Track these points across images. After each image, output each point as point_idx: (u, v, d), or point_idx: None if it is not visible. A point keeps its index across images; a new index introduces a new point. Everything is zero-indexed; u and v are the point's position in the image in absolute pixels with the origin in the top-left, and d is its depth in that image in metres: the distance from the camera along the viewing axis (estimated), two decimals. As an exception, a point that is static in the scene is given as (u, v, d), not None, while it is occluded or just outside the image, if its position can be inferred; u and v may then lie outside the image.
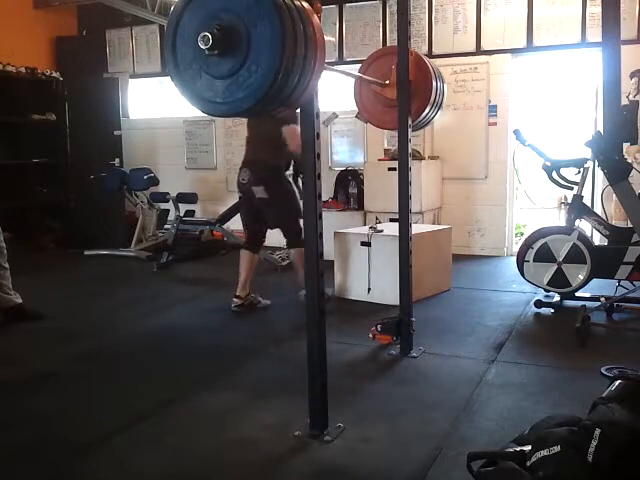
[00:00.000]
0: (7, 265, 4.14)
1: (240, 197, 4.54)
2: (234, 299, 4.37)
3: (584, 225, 4.41)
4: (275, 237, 4.68)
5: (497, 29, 6.24)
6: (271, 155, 4.21)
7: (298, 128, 3.57)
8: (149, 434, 2.58)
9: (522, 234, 6.85)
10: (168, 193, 6.48)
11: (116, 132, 7.40)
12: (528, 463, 1.86)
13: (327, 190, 6.52)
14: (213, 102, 2.06)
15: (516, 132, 4.51)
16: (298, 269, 4.24)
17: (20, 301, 4.16)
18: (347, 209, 6.50)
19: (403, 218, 3.36)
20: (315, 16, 2.07)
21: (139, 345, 3.74)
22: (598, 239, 4.88)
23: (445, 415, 2.66)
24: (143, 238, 6.83)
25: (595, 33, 5.69)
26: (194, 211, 6.79)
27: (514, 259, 4.66)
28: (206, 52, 1.96)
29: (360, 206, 6.43)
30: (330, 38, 6.68)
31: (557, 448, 1.80)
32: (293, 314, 4.09)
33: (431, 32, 6.50)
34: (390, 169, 5.41)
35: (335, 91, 6.64)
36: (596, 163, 3.93)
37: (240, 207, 4.76)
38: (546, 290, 4.41)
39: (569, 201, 4.45)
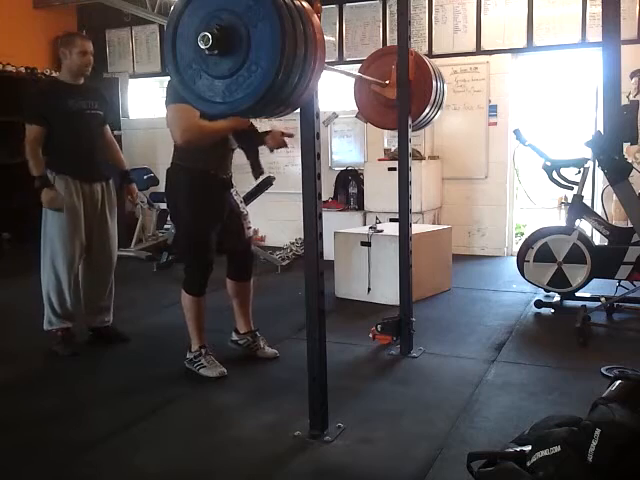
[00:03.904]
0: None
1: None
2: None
3: (584, 225, 4.41)
4: (275, 237, 4.66)
5: (497, 29, 6.24)
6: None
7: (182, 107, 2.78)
8: (149, 433, 2.58)
9: (522, 234, 6.85)
10: (168, 193, 6.46)
11: (116, 132, 7.36)
12: (528, 463, 1.86)
13: (327, 190, 6.52)
14: (213, 102, 2.06)
15: (516, 132, 4.51)
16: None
17: (108, 324, 3.83)
18: (347, 209, 6.50)
19: (403, 218, 3.36)
20: (315, 16, 2.07)
21: (139, 345, 3.74)
22: (598, 239, 4.89)
23: (445, 415, 2.66)
24: (143, 238, 6.82)
25: (595, 33, 5.69)
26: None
27: (514, 259, 4.66)
28: (206, 52, 1.96)
29: (360, 206, 6.43)
30: (330, 38, 6.68)
31: (557, 448, 1.80)
32: (293, 314, 4.09)
33: (431, 32, 6.50)
34: (390, 169, 5.41)
35: (335, 91, 6.65)
36: (596, 163, 3.93)
37: None
38: (546, 290, 4.41)
39: (569, 201, 4.45)
